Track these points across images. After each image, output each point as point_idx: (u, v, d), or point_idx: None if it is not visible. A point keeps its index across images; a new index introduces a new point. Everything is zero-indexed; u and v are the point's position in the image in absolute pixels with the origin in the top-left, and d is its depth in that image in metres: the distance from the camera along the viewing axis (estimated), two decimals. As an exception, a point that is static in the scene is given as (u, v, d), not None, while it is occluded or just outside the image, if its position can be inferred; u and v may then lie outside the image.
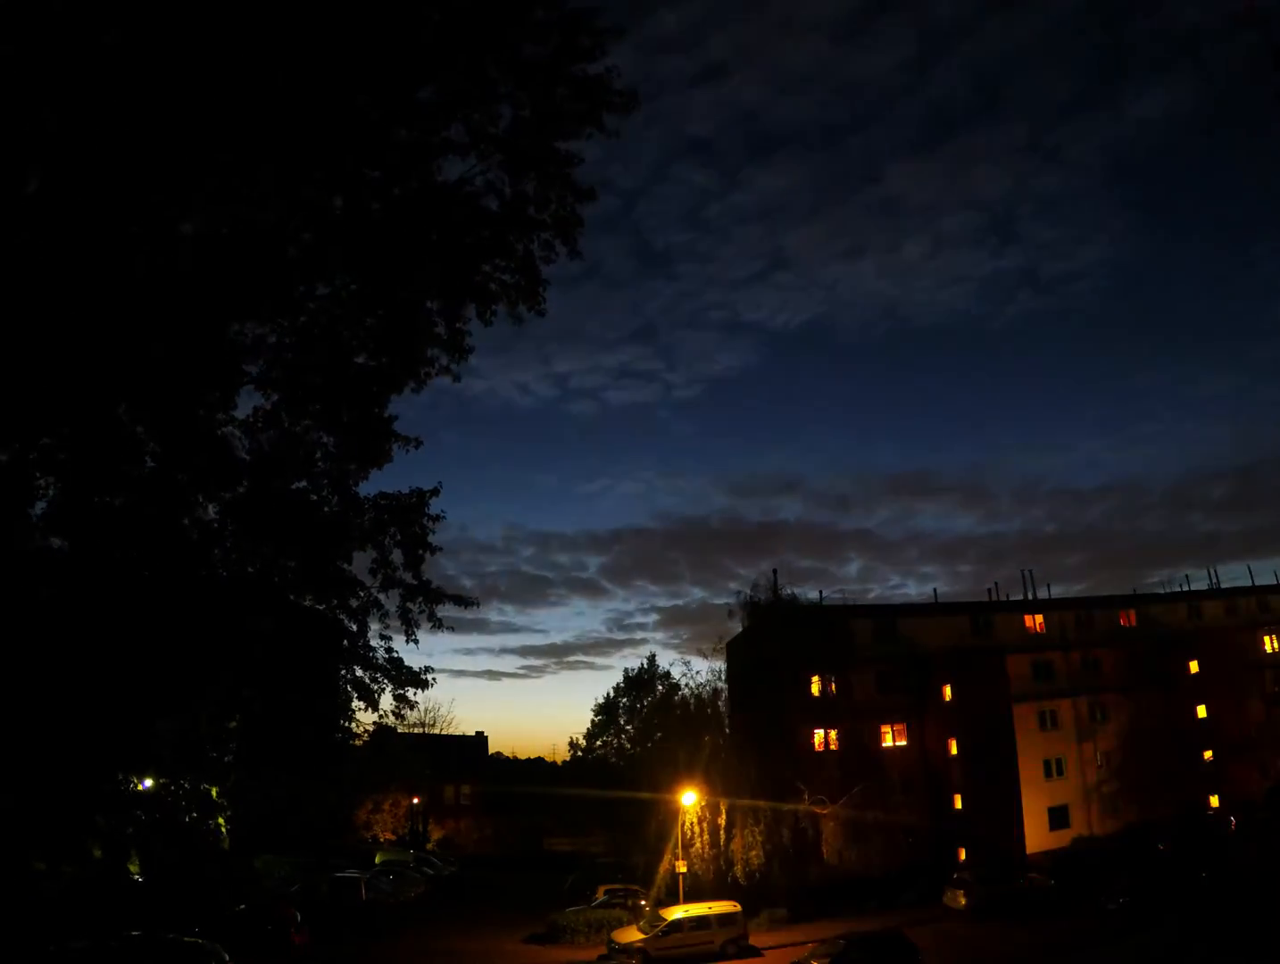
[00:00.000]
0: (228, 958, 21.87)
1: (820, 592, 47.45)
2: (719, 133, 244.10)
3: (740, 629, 45.24)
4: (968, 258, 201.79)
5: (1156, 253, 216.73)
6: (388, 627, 13.94)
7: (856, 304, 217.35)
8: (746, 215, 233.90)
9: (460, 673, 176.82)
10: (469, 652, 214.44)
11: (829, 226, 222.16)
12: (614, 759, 56.28)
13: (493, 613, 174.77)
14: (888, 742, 43.87)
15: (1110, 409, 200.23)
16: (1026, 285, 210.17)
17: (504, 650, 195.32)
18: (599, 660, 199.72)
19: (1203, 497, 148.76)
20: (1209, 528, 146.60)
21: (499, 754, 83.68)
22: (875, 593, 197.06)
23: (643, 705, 54.85)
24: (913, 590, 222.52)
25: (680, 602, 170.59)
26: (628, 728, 57.12)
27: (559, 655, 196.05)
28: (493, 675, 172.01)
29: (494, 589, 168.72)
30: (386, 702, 14.79)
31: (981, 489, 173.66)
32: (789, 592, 44.10)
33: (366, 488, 13.61)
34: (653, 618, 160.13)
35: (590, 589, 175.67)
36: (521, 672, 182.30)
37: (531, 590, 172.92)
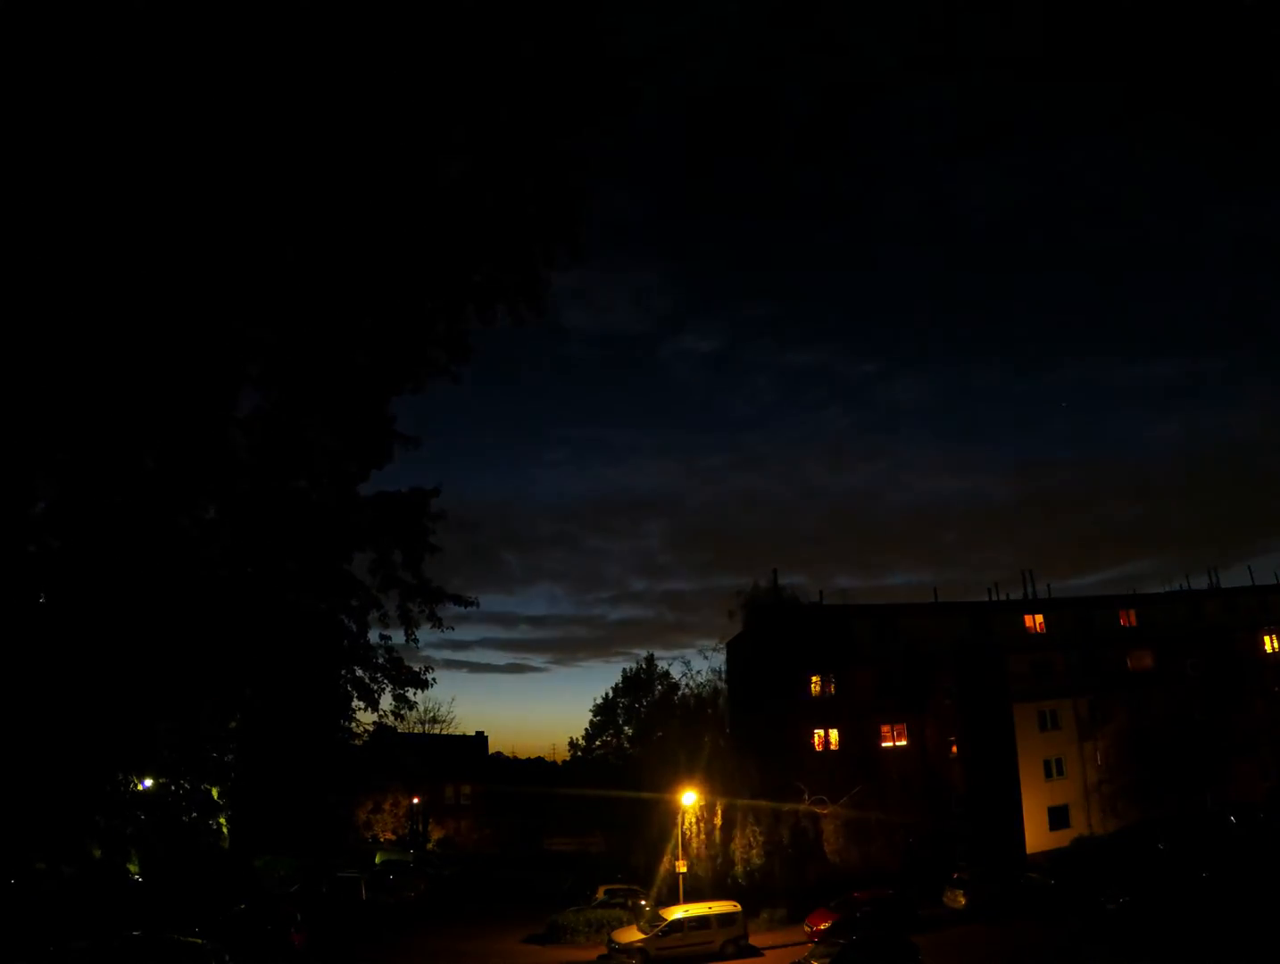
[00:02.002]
0: (228, 958, 21.88)
1: (822, 593, 47.33)
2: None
3: (741, 628, 45.28)
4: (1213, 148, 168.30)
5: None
6: (387, 626, 13.98)
7: (1080, 195, 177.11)
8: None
9: (484, 667, 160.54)
10: (502, 644, 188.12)
11: (1074, 83, 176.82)
12: (614, 759, 56.25)
13: (537, 598, 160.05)
14: (888, 742, 43.85)
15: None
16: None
17: (536, 642, 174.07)
18: (640, 651, 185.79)
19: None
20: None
21: (499, 754, 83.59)
22: (953, 575, 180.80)
23: (641, 706, 54.83)
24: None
25: (745, 582, 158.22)
26: (627, 728, 57.12)
27: (598, 646, 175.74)
28: (517, 669, 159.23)
29: (538, 568, 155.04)
30: (387, 701, 14.83)
31: (1119, 450, 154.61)
32: (789, 591, 44.18)
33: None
34: (711, 603, 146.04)
35: (648, 567, 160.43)
36: (551, 664, 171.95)
37: (579, 567, 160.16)
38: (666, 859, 34.77)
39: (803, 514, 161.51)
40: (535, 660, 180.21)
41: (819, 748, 42.54)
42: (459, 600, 13.97)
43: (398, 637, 14.15)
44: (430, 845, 59.22)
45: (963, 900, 32.36)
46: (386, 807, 57.21)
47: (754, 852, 36.04)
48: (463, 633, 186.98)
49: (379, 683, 14.33)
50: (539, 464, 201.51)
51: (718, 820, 36.36)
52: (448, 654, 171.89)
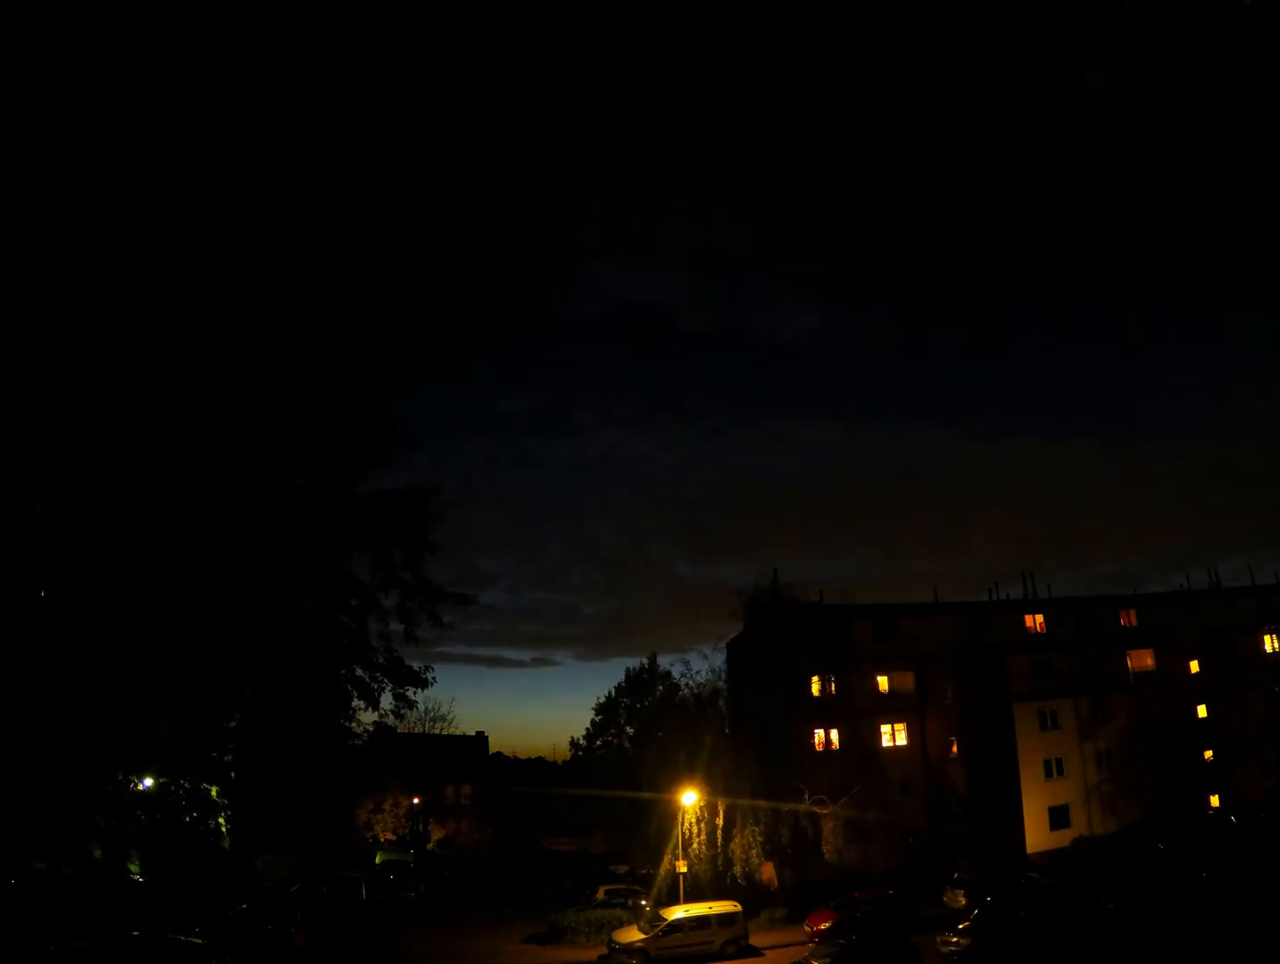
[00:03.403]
0: (228, 958, 21.88)
1: (822, 593, 47.18)
2: None
3: (741, 628, 45.22)
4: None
5: None
6: (387, 625, 13.98)
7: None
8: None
9: (503, 662, 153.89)
10: (534, 639, 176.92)
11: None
12: (614, 759, 56.25)
13: (568, 585, 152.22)
14: (888, 742, 43.81)
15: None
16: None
17: (560, 638, 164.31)
18: (671, 644, 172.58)
19: None
20: None
21: (499, 754, 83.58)
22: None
23: (643, 705, 54.83)
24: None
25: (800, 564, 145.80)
26: (628, 728, 57.13)
27: (625, 640, 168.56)
28: (540, 663, 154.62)
29: (573, 548, 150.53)
30: (387, 701, 14.84)
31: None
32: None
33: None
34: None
35: (694, 548, 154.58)
36: (573, 660, 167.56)
37: (618, 548, 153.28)
38: (667, 859, 34.75)
39: (874, 485, 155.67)
40: (558, 655, 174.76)
41: (819, 748, 42.47)
42: (459, 599, 14.00)
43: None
44: (430, 845, 59.23)
45: (963, 900, 32.33)
46: (386, 807, 57.22)
47: (754, 852, 36.00)
48: (482, 625, 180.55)
49: (379, 682, 14.34)
50: (594, 423, 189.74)
51: (719, 820, 36.31)
52: (463, 649, 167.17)
